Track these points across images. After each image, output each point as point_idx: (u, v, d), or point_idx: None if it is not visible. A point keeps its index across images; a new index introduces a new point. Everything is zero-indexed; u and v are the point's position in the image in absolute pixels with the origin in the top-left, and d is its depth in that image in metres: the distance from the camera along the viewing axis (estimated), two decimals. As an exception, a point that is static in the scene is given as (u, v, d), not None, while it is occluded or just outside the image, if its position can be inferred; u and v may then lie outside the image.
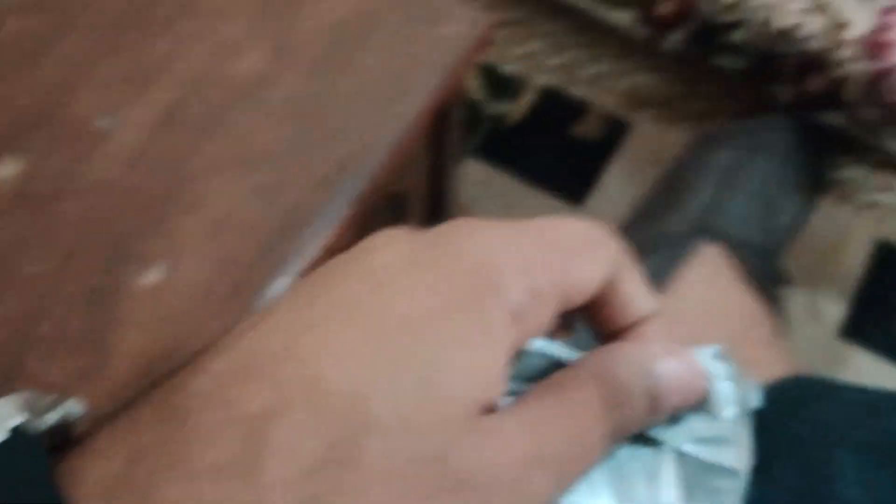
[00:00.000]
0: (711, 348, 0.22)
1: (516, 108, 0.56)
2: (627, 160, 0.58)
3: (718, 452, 0.21)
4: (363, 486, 0.16)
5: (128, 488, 0.16)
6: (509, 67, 0.54)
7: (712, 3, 0.43)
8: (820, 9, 0.41)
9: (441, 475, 0.17)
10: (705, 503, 0.21)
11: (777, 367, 0.38)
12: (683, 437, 0.21)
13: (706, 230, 0.41)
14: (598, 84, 0.54)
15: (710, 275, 0.40)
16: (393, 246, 0.19)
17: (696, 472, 0.21)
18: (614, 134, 0.57)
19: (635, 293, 0.21)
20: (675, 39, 0.46)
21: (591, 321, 0.22)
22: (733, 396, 0.22)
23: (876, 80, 0.42)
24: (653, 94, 0.53)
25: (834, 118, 0.45)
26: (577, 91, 0.54)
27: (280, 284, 0.31)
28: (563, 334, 0.22)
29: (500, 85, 0.56)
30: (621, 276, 0.20)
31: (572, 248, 0.20)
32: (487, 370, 0.18)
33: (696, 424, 0.21)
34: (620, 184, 0.60)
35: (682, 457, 0.21)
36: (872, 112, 0.43)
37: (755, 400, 0.23)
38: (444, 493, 0.17)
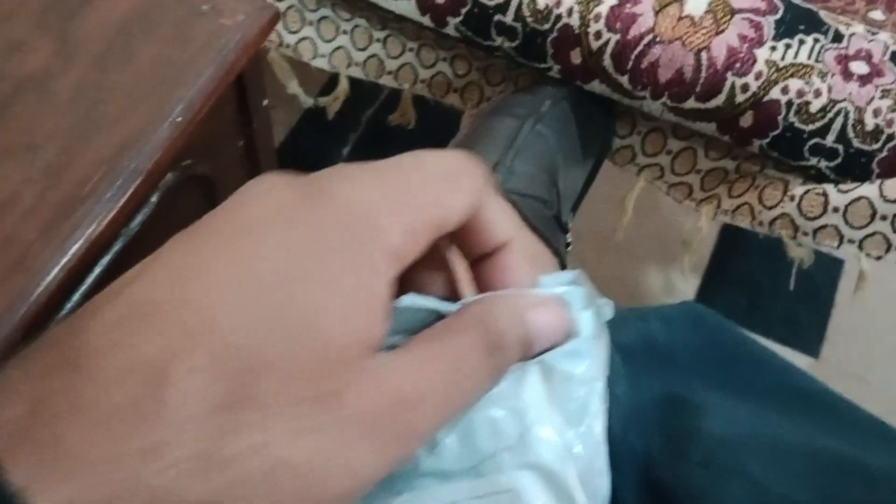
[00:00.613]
0: (568, 274, 0.25)
1: (332, 101, 0.61)
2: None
3: (575, 365, 0.23)
4: (263, 424, 0.17)
5: (33, 435, 0.16)
6: (319, 62, 0.58)
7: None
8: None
9: (335, 411, 0.18)
10: (563, 406, 0.23)
11: None
12: (548, 351, 0.23)
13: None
14: (404, 74, 0.59)
15: None
16: (270, 194, 0.19)
17: (555, 381, 0.23)
18: (427, 119, 0.62)
19: (497, 219, 0.22)
20: (454, 24, 0.51)
21: (460, 246, 0.23)
22: (590, 319, 0.24)
23: (622, 51, 0.48)
24: (453, 78, 0.58)
25: (598, 87, 0.50)
26: (386, 81, 0.59)
27: (61, 261, 0.34)
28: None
29: (314, 79, 0.61)
30: (485, 203, 0.22)
31: (440, 181, 0.21)
32: (370, 311, 0.19)
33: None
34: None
35: (544, 367, 0.23)
36: (623, 81, 0.49)
37: (608, 314, 0.25)
38: (336, 428, 0.18)
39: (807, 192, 0.47)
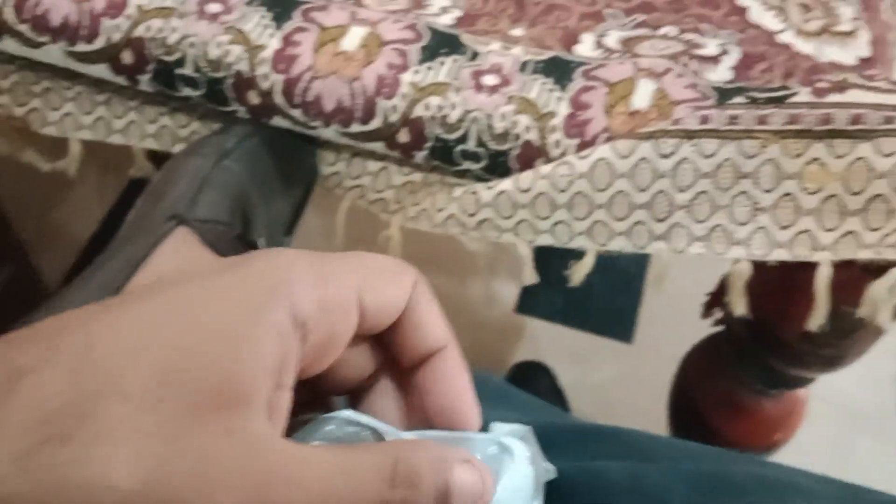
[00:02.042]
0: (520, 429, 0.25)
1: (69, 164, 0.65)
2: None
3: None
4: (96, 439, 0.17)
5: None
6: (49, 130, 0.63)
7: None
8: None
9: (173, 455, 0.18)
10: None
11: None
12: None
13: (178, 218, 0.50)
14: (132, 131, 0.63)
15: (177, 249, 0.49)
16: (199, 260, 0.22)
17: None
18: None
19: (433, 322, 0.23)
20: (145, 81, 0.56)
21: (395, 348, 0.23)
22: (530, 478, 0.24)
23: (289, 89, 0.53)
24: (176, 129, 0.63)
25: (281, 122, 0.56)
26: (116, 139, 0.64)
27: None
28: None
29: (47, 146, 0.65)
30: (421, 304, 0.22)
31: (376, 271, 0.22)
32: (245, 366, 0.19)
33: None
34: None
35: None
36: (297, 114, 0.54)
37: (549, 477, 0.25)
38: (165, 470, 0.18)
39: (464, 192, 0.53)
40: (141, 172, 0.68)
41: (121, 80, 0.57)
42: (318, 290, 0.20)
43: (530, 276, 0.55)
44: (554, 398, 1.09)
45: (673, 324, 1.27)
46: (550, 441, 0.34)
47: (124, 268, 0.47)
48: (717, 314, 0.68)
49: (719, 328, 0.69)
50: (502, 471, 0.24)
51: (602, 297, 1.22)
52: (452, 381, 0.24)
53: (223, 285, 0.20)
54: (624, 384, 1.15)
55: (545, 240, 0.53)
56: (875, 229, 0.44)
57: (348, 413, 0.22)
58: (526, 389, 1.11)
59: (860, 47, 0.57)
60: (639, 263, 1.28)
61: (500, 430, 0.25)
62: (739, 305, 0.49)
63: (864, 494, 0.33)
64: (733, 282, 0.49)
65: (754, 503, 0.31)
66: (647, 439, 0.38)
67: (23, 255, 0.60)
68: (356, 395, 0.26)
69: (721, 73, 0.53)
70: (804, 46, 0.57)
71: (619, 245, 0.51)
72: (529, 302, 1.23)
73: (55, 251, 1.08)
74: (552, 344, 1.19)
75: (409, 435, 0.24)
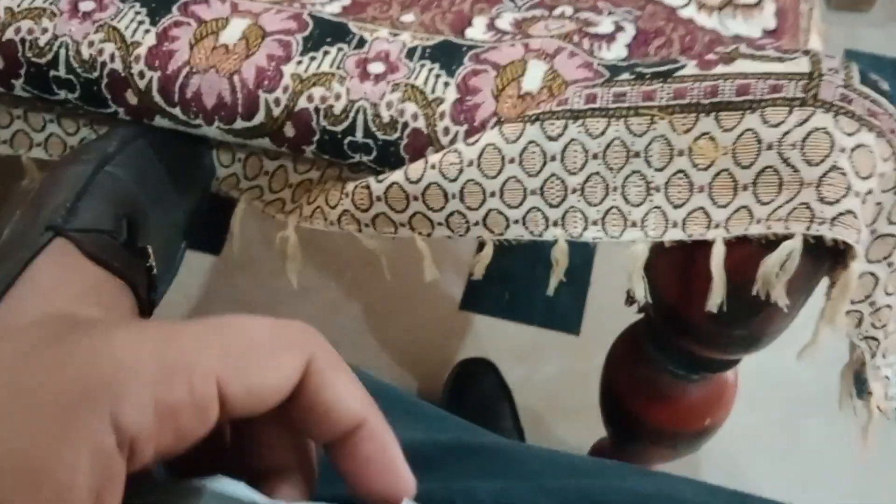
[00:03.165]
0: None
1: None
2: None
3: None
4: None
5: None
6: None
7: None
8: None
9: None
10: None
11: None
12: None
13: (55, 229, 0.48)
14: (19, 140, 0.61)
15: (55, 261, 0.47)
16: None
17: None
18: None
19: (341, 400, 0.19)
20: (19, 86, 0.53)
21: (300, 426, 0.20)
22: None
23: (166, 86, 0.51)
24: (65, 136, 0.61)
25: (162, 122, 0.53)
26: (4, 150, 0.61)
27: None
28: None
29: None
30: (324, 381, 0.19)
31: (247, 349, 0.18)
32: (35, 465, 0.16)
33: None
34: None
35: None
36: (178, 112, 0.52)
37: None
38: None
39: (356, 187, 0.51)
40: (35, 184, 0.65)
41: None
42: (157, 391, 0.17)
43: (431, 272, 0.53)
44: (499, 395, 1.07)
45: (620, 314, 1.26)
46: (428, 460, 0.32)
47: (0, 283, 0.44)
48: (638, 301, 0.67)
49: (641, 315, 0.67)
50: None
51: (546, 289, 1.20)
52: (376, 462, 0.21)
53: (36, 375, 0.17)
54: (571, 378, 1.14)
55: (441, 232, 0.51)
56: (765, 203, 0.42)
57: (222, 485, 0.19)
58: (470, 387, 1.09)
59: (766, 19, 0.56)
60: (584, 255, 1.26)
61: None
62: (639, 289, 0.48)
63: (751, 502, 0.31)
64: (631, 265, 0.47)
65: None
66: (527, 454, 0.36)
67: None
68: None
69: (616, 51, 0.52)
70: (707, 21, 0.55)
71: (515, 234, 0.49)
72: (474, 299, 1.22)
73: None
74: (498, 340, 1.17)
75: None
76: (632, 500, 0.30)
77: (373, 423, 0.20)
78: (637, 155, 0.46)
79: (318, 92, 0.50)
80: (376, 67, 0.51)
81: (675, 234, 0.45)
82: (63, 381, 0.17)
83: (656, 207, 0.46)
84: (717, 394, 0.66)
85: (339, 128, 0.50)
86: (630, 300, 0.67)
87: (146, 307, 0.51)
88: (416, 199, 0.49)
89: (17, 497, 0.15)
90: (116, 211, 0.51)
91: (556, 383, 1.13)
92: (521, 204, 0.48)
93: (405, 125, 0.49)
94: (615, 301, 1.20)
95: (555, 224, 0.48)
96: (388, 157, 0.51)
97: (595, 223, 0.47)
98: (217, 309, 1.16)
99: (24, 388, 0.17)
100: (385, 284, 1.24)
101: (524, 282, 1.18)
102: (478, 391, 1.07)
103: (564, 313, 1.20)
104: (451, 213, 0.50)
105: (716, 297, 0.45)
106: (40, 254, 0.47)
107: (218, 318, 0.19)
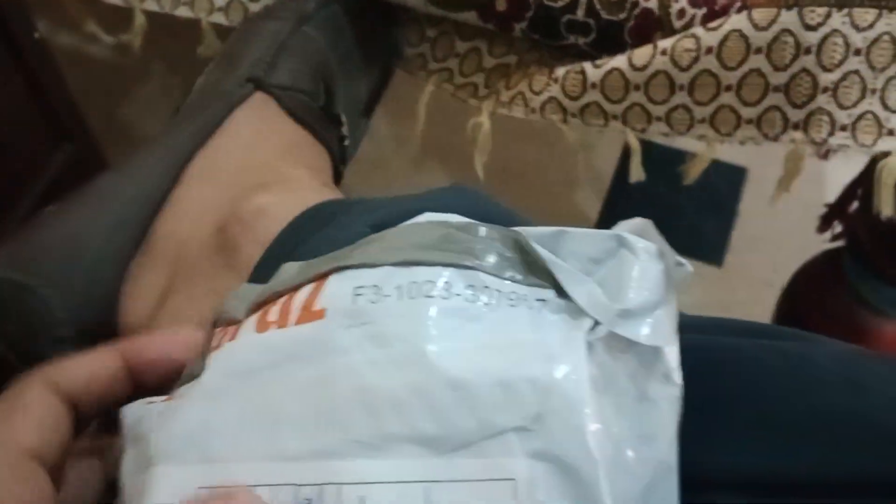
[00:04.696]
0: (634, 222, 0.22)
1: (134, 37, 0.60)
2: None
3: (637, 327, 0.19)
4: None
5: None
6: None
7: None
8: None
9: None
10: (617, 392, 0.19)
11: (314, 184, 0.42)
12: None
13: (256, 83, 0.45)
14: (200, 3, 0.58)
15: (256, 114, 0.45)
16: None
17: (612, 352, 0.19)
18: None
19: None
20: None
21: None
22: (658, 276, 0.21)
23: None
24: (248, 2, 0.58)
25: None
26: (183, 11, 0.59)
27: None
28: None
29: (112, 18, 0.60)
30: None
31: None
32: None
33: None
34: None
35: (594, 335, 0.20)
36: None
37: (683, 271, 0.22)
38: None
39: (567, 72, 0.47)
40: (210, 51, 0.62)
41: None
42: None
43: (637, 172, 0.49)
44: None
45: (766, 249, 1.19)
46: None
47: (198, 132, 0.42)
48: (835, 229, 0.61)
49: (837, 243, 0.62)
50: (625, 269, 0.21)
51: (691, 216, 1.15)
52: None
53: None
54: (711, 310, 1.09)
55: (658, 128, 0.46)
56: None
57: None
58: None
59: None
60: (733, 181, 1.20)
61: (618, 226, 0.22)
62: (888, 205, 0.43)
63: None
64: (884, 178, 0.42)
65: None
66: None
67: (87, 137, 0.56)
68: None
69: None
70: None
71: (746, 135, 0.45)
72: (611, 220, 1.17)
73: (121, 148, 1.05)
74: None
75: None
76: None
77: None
78: (908, 53, 0.40)
79: (539, -38, 0.45)
80: (604, -61, 0.46)
81: (944, 147, 0.40)
82: None
83: (923, 115, 0.41)
84: (913, 336, 0.61)
85: (558, 3, 0.46)
86: (825, 225, 0.62)
87: (337, 177, 0.49)
88: (637, 88, 0.45)
89: None
90: (313, 73, 0.49)
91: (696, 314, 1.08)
92: (760, 101, 0.43)
93: (634, 4, 0.45)
94: (764, 233, 1.14)
95: (795, 127, 0.43)
96: (609, 40, 0.46)
97: (844, 128, 0.42)
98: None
99: None
100: (522, 197, 1.20)
101: (665, 207, 1.13)
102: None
103: (709, 243, 1.14)
104: (675, 108, 0.45)
105: None
106: (241, 105, 0.44)
107: None
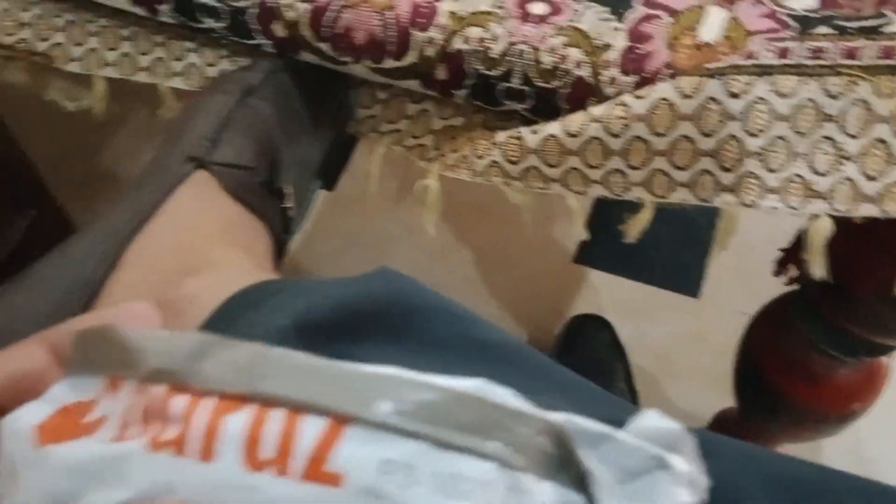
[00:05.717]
0: (667, 428, 0.21)
1: (95, 103, 0.61)
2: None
3: None
4: None
5: None
6: (73, 67, 0.59)
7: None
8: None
9: None
10: None
11: (246, 266, 0.43)
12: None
13: (197, 161, 0.46)
14: (158, 69, 0.59)
15: (195, 194, 0.45)
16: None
17: None
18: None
19: None
20: (166, 11, 0.51)
21: None
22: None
23: (316, 19, 0.48)
24: (203, 67, 0.59)
25: (308, 57, 0.51)
26: (142, 77, 0.60)
27: None
28: None
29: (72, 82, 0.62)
30: None
31: None
32: None
33: None
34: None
35: None
36: (326, 48, 0.49)
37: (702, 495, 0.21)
38: None
39: (507, 137, 0.48)
40: (170, 113, 0.64)
41: (140, 11, 0.53)
42: None
43: (582, 232, 0.50)
44: (612, 353, 1.04)
45: (743, 279, 1.20)
46: None
47: (138, 212, 0.43)
48: (791, 272, 0.62)
49: (792, 287, 0.62)
50: (657, 493, 0.20)
51: (668, 248, 1.16)
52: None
53: None
54: (686, 341, 1.09)
55: (597, 191, 0.47)
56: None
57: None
58: (583, 343, 1.06)
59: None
60: (708, 214, 1.20)
61: (650, 425, 0.20)
62: (818, 266, 0.43)
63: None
64: (812, 240, 0.43)
65: None
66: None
67: (46, 199, 0.57)
68: None
69: (805, 1, 0.46)
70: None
71: (680, 197, 0.45)
72: (589, 252, 1.18)
73: (102, 196, 1.06)
74: (612, 297, 1.14)
75: (560, 417, 0.20)
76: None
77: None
78: (830, 119, 0.41)
79: (474, 32, 0.47)
80: (538, 8, 0.47)
81: (867, 210, 0.41)
82: None
83: (847, 179, 0.41)
84: (869, 378, 0.61)
85: (494, 72, 0.47)
86: (781, 269, 0.62)
87: (280, 248, 0.50)
88: (573, 153, 0.46)
89: None
90: (257, 147, 0.50)
91: (670, 345, 1.09)
92: (690, 165, 0.44)
93: (567, 73, 0.46)
94: (740, 265, 1.14)
95: (727, 190, 0.44)
96: (545, 107, 0.47)
97: (773, 191, 0.43)
98: (326, 246, 1.16)
99: None
100: (497, 232, 1.21)
101: (643, 238, 1.13)
102: (591, 348, 1.04)
103: (684, 274, 1.15)
104: (611, 172, 0.46)
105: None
106: (180, 184, 0.45)
107: None
